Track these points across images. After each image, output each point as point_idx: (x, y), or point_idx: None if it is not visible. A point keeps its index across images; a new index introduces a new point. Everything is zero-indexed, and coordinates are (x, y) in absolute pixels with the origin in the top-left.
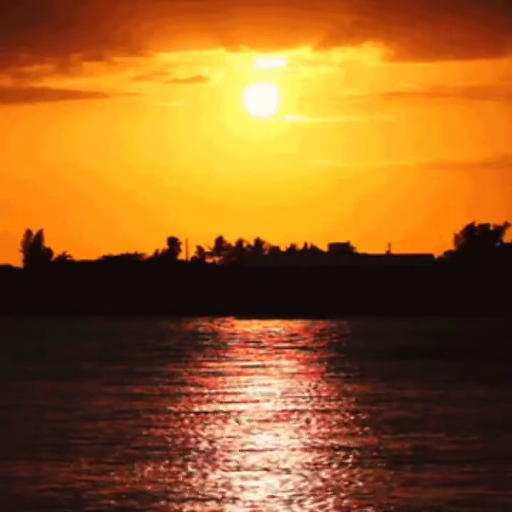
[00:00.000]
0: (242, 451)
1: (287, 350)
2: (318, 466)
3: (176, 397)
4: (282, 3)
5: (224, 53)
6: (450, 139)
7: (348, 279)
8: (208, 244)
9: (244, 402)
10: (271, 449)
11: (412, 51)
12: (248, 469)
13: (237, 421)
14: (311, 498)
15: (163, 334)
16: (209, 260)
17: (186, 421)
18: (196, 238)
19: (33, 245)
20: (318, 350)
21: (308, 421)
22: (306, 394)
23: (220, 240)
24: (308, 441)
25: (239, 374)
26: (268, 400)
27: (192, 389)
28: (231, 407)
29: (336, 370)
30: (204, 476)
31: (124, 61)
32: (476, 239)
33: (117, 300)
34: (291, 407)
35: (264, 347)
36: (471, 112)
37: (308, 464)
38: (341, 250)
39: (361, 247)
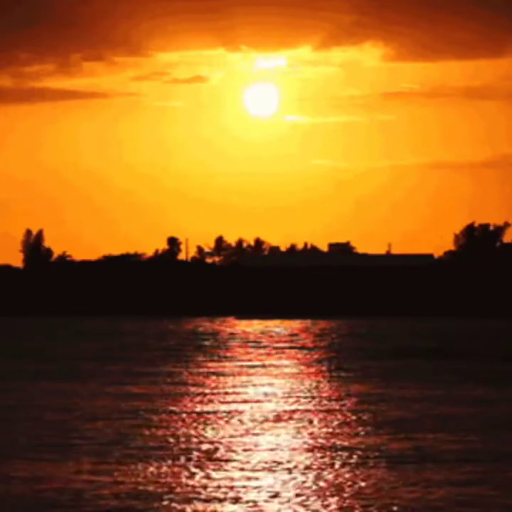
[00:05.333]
0: (242, 451)
1: (287, 350)
2: (319, 466)
3: (176, 397)
4: (282, 3)
5: (224, 53)
6: (450, 139)
7: (348, 279)
8: (208, 244)
9: (245, 402)
10: (271, 449)
11: (412, 51)
12: (248, 469)
13: (238, 421)
14: (312, 498)
15: (163, 334)
16: (209, 260)
17: (187, 421)
18: (196, 238)
19: (33, 245)
20: (318, 350)
21: (308, 421)
22: (306, 394)
23: (220, 240)
24: (309, 441)
25: (239, 374)
26: (268, 400)
27: (192, 389)
28: (231, 407)
29: (336, 370)
30: (204, 476)
31: (124, 61)
32: (476, 239)
33: (117, 300)
34: (291, 407)
35: (264, 347)
36: (471, 112)
37: (308, 464)
38: (341, 250)
39: (361, 247)
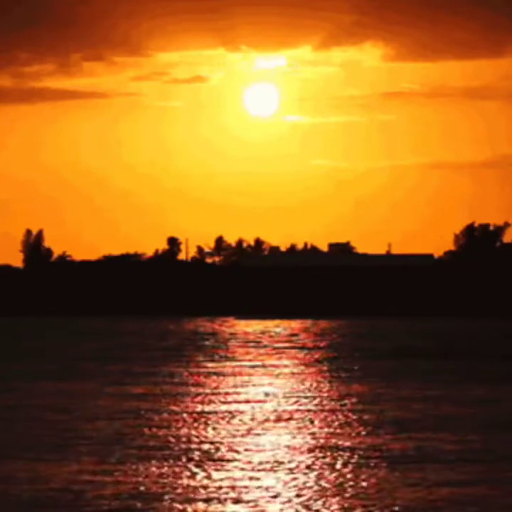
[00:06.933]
0: (242, 451)
1: (287, 350)
2: (319, 466)
3: (176, 397)
4: (282, 3)
5: (224, 53)
6: (450, 139)
7: (348, 279)
8: (208, 244)
9: (245, 402)
10: (271, 449)
11: (412, 51)
12: (249, 469)
13: (238, 421)
14: (313, 498)
15: (163, 334)
16: (209, 260)
17: (187, 421)
18: (196, 238)
19: (33, 245)
20: (318, 350)
21: (308, 421)
22: (306, 394)
23: (220, 240)
24: (309, 441)
25: (239, 374)
26: (268, 400)
27: (192, 389)
28: (231, 407)
29: (336, 370)
30: (204, 476)
31: (124, 61)
32: (476, 239)
33: (117, 300)
34: (291, 407)
35: (264, 347)
36: (471, 112)
37: (308, 464)
38: (341, 250)
39: (361, 247)
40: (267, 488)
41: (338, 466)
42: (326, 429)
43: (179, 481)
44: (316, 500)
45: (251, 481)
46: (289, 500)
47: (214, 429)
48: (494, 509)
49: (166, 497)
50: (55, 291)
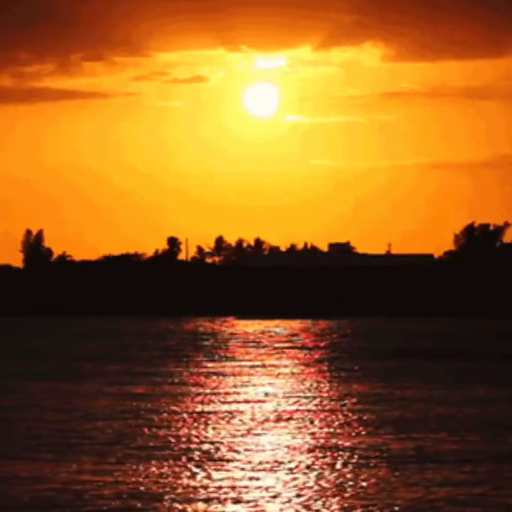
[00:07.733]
0: (242, 451)
1: (287, 350)
2: (319, 466)
3: (176, 397)
4: (282, 3)
5: (224, 53)
6: (450, 139)
7: (348, 279)
8: (208, 244)
9: (245, 402)
10: (271, 449)
11: (412, 51)
12: (249, 469)
13: (238, 421)
14: (313, 498)
15: (163, 334)
16: (209, 260)
17: (187, 421)
18: (196, 238)
19: (33, 245)
20: (318, 350)
21: (308, 421)
22: (306, 394)
23: (220, 240)
24: (309, 441)
25: (239, 374)
26: (268, 400)
27: (192, 389)
28: (232, 407)
29: (336, 370)
30: (205, 476)
31: (124, 61)
32: (476, 239)
33: (117, 300)
34: (291, 407)
35: (264, 347)
36: (471, 112)
37: (309, 464)
38: (341, 250)
39: (361, 247)
40: (267, 488)
41: (338, 466)
42: (326, 429)
43: (179, 481)
44: (316, 500)
45: (251, 481)
46: (289, 500)
47: (214, 429)
48: (494, 509)
49: (166, 497)
50: (55, 291)
